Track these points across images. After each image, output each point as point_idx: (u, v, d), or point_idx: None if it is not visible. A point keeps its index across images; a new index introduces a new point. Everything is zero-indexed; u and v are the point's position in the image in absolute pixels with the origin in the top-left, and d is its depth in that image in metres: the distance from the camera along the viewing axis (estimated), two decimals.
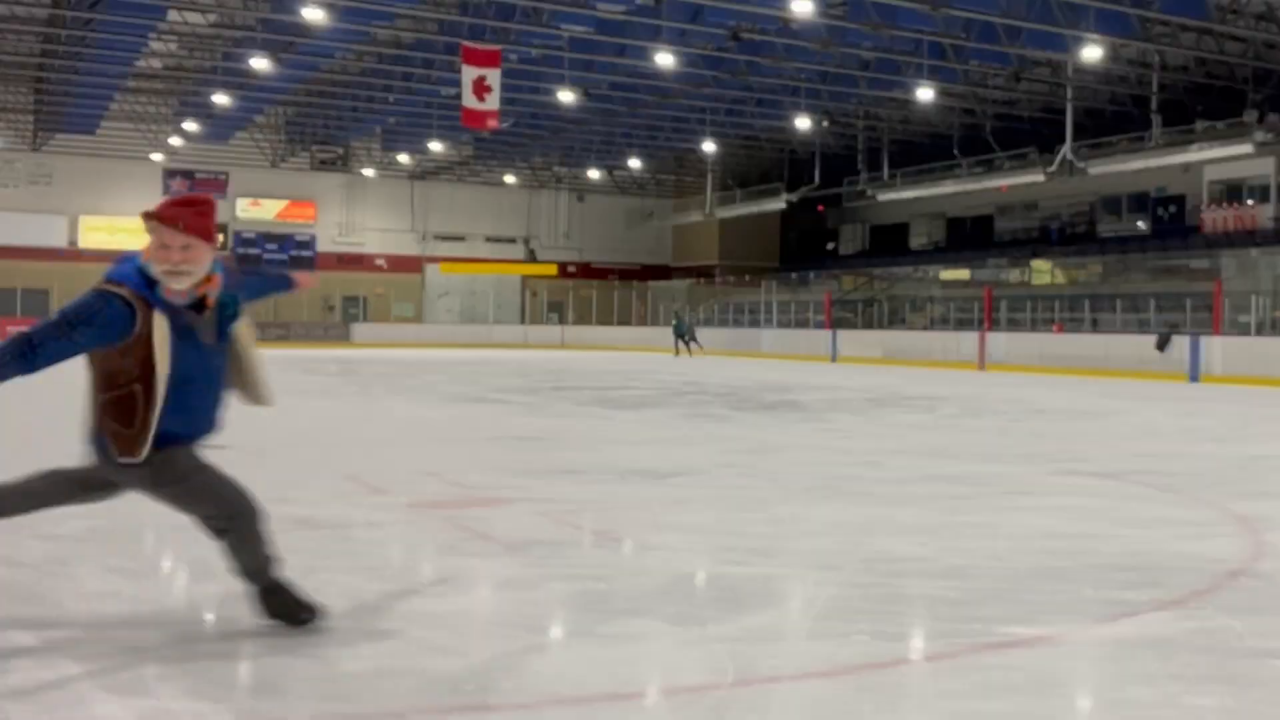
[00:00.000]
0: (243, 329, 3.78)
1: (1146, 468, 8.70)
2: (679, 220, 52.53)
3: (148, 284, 3.47)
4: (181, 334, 3.48)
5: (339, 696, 3.21)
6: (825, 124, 36.23)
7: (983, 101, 34.84)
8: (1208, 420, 13.61)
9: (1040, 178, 34.02)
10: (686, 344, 36.44)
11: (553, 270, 51.09)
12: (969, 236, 43.59)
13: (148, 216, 3.49)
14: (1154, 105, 30.78)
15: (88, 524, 5.76)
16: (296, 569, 4.79)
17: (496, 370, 23.31)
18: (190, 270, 3.48)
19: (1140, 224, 37.80)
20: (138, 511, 6.29)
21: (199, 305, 3.57)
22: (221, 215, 46.74)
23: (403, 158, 45.10)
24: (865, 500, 6.85)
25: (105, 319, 3.37)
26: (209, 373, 3.64)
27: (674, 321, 38.04)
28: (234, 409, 3.88)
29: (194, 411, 3.61)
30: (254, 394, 3.91)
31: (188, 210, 3.52)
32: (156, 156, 43.73)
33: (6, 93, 38.36)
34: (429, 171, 48.46)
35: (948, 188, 38.55)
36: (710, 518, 6.18)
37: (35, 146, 43.18)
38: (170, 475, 3.62)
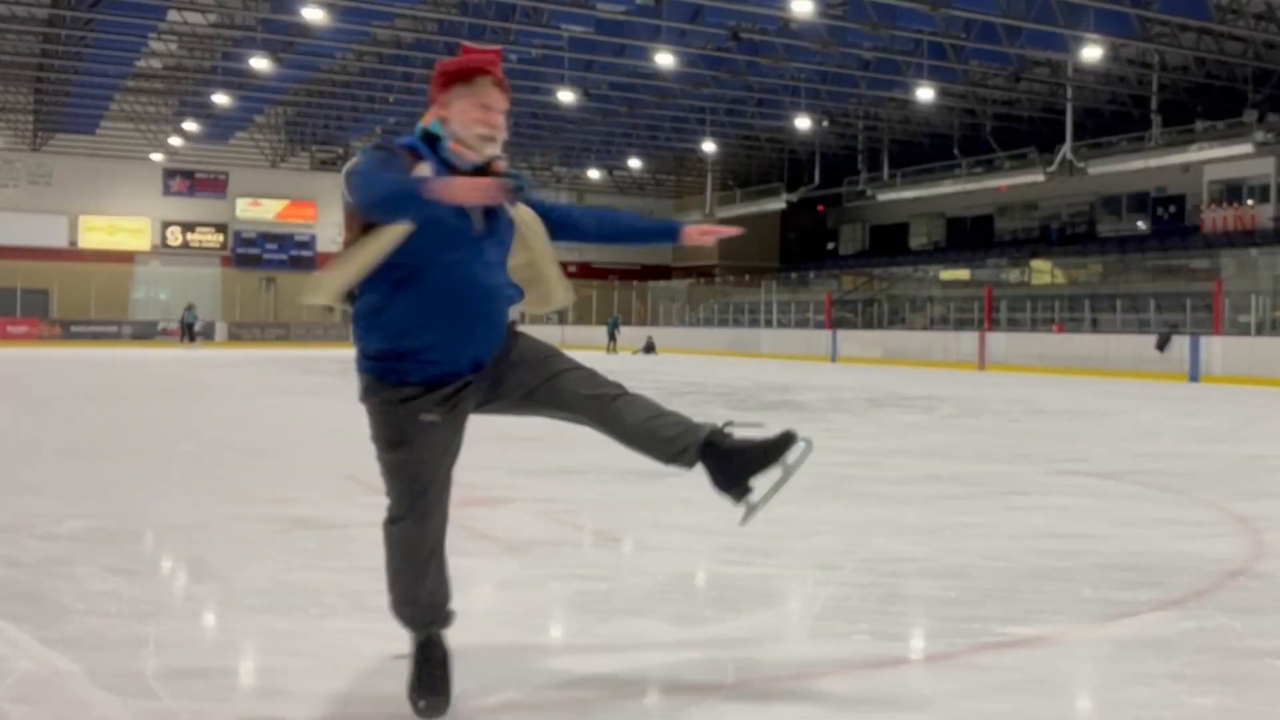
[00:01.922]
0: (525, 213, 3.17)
1: (1146, 468, 8.69)
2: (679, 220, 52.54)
3: (430, 143, 3.05)
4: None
5: (339, 696, 3.21)
6: (825, 124, 36.24)
7: (983, 101, 34.84)
8: (1208, 420, 13.60)
9: (1040, 178, 34.03)
10: (614, 342, 40.10)
11: None
12: (969, 236, 43.60)
13: (478, 70, 3.05)
14: (1154, 105, 30.80)
15: (88, 524, 5.77)
16: (297, 569, 4.80)
17: None
18: (500, 138, 3.07)
19: (1140, 224, 37.81)
20: (138, 511, 6.31)
21: (483, 172, 3.05)
22: (221, 215, 46.88)
23: None
24: (864, 500, 6.85)
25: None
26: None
27: (611, 320, 41.83)
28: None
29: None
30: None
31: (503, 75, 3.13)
32: (156, 156, 43.75)
33: (6, 93, 38.37)
34: None
35: (948, 188, 38.56)
36: (710, 518, 6.17)
37: (35, 146, 43.19)
38: None
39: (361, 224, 2.96)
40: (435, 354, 3.01)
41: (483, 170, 3.06)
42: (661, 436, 3.08)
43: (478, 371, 3.09)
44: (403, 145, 3.05)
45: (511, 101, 3.12)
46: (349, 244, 3.00)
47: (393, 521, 3.09)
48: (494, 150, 3.07)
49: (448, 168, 3.01)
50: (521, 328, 3.25)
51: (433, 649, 3.09)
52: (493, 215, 3.07)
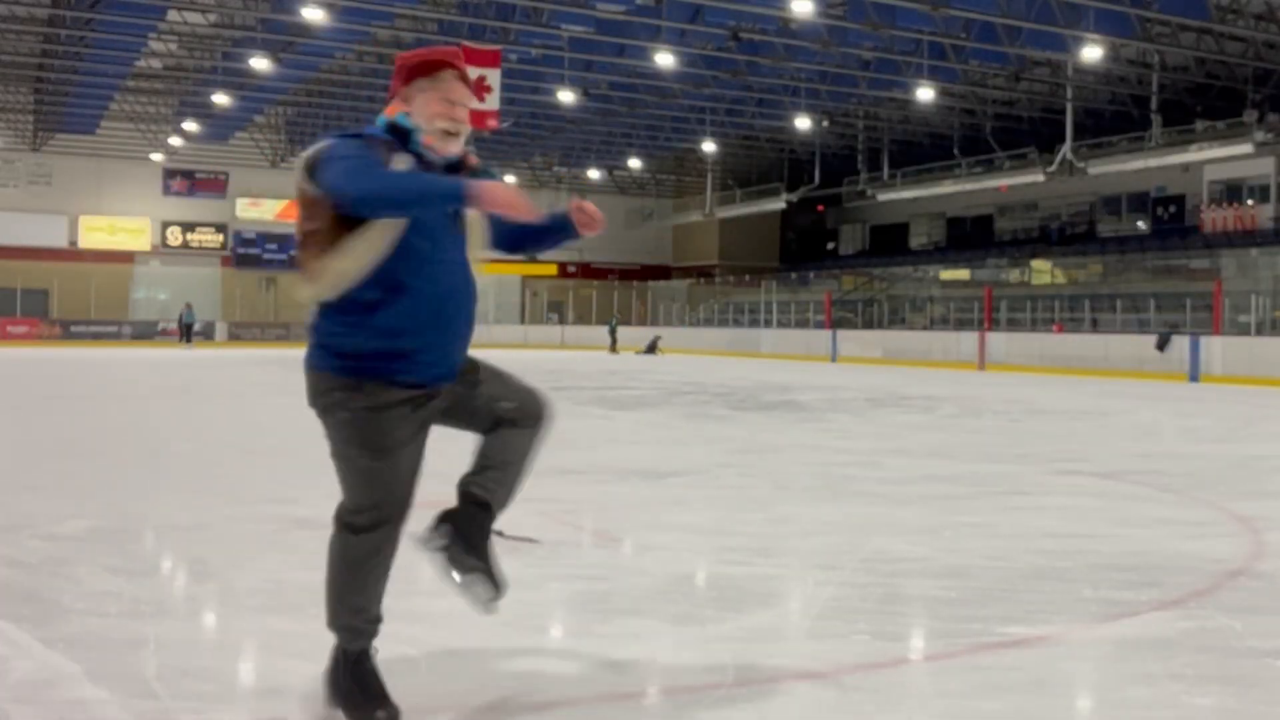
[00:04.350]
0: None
1: (1146, 468, 8.69)
2: (679, 220, 52.51)
3: (399, 135, 2.94)
4: None
5: None
6: (825, 124, 36.24)
7: (983, 101, 34.85)
8: (1208, 420, 13.60)
9: (1040, 178, 34.04)
10: (614, 342, 40.80)
11: (552, 270, 51.08)
12: (969, 236, 43.60)
13: (441, 64, 2.97)
14: (1154, 105, 30.80)
15: (88, 524, 5.76)
16: (298, 569, 4.80)
17: None
18: (464, 134, 2.98)
19: (1140, 224, 37.81)
20: (138, 511, 6.31)
21: (457, 167, 2.99)
22: (221, 215, 46.86)
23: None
24: (864, 500, 6.85)
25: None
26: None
27: (611, 321, 42.67)
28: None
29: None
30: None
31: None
32: (156, 156, 43.74)
33: (6, 93, 38.36)
34: None
35: (948, 188, 38.57)
36: (710, 518, 6.18)
37: (35, 146, 43.19)
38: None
39: (335, 214, 2.79)
40: (430, 354, 2.91)
41: (457, 166, 2.98)
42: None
43: (453, 376, 3.01)
44: (374, 135, 2.91)
45: (480, 96, 3.07)
46: (316, 232, 2.83)
47: (359, 531, 2.94)
48: (457, 146, 2.97)
49: (421, 162, 2.91)
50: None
51: (369, 659, 2.99)
52: (460, 214, 2.98)
